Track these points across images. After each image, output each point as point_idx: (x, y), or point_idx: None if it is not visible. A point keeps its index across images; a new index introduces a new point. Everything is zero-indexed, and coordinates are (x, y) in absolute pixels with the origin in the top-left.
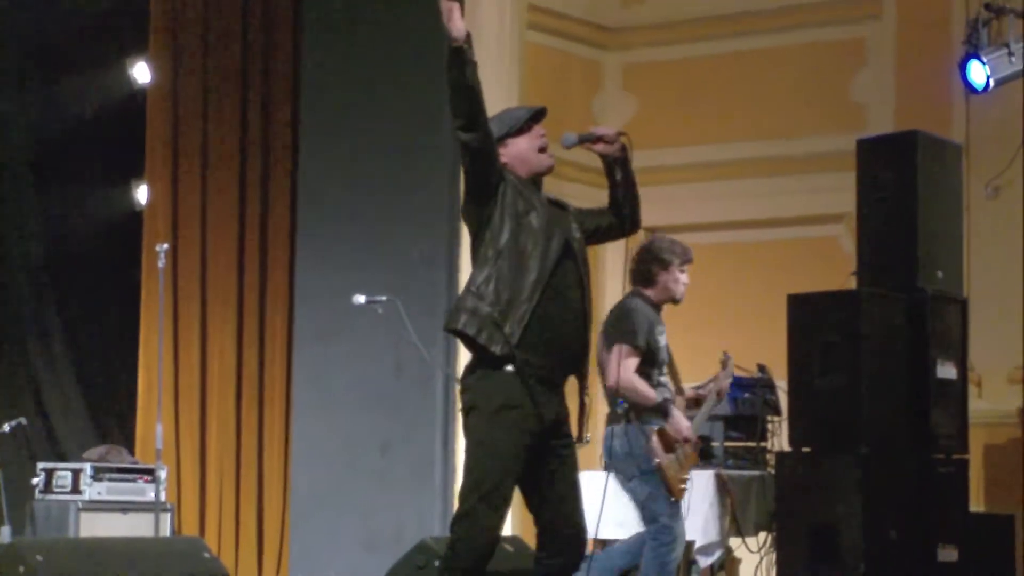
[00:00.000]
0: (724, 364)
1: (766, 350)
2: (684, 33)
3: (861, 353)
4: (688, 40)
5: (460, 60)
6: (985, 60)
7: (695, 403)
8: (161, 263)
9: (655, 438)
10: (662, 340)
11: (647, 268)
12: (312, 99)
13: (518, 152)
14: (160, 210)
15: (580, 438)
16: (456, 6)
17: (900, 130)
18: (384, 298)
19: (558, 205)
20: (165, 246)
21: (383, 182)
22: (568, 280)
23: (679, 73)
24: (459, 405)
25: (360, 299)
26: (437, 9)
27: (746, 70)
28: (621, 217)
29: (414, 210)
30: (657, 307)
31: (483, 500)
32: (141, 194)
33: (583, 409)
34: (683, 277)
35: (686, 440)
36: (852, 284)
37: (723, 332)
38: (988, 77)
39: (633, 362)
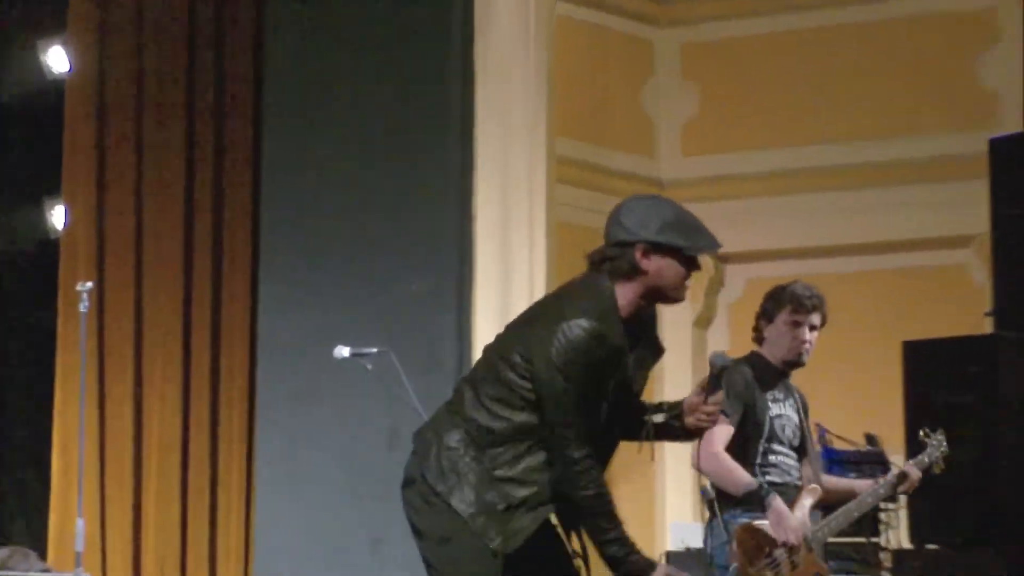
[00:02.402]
0: (929, 443)
1: (875, 415)
2: (760, 3)
3: (1000, 417)
4: (765, 12)
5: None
6: None
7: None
8: (83, 306)
9: (736, 539)
10: (776, 408)
11: (756, 320)
12: (279, 90)
13: (668, 276)
14: (82, 237)
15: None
16: None
17: None
18: (375, 349)
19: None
20: (88, 284)
21: (372, 197)
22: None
23: (753, 55)
24: None
25: (343, 351)
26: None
27: (840, 50)
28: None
29: (413, 234)
30: (775, 369)
31: None
32: (57, 217)
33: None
34: (799, 331)
35: (787, 544)
36: (987, 327)
37: (818, 391)
38: None
39: (723, 434)
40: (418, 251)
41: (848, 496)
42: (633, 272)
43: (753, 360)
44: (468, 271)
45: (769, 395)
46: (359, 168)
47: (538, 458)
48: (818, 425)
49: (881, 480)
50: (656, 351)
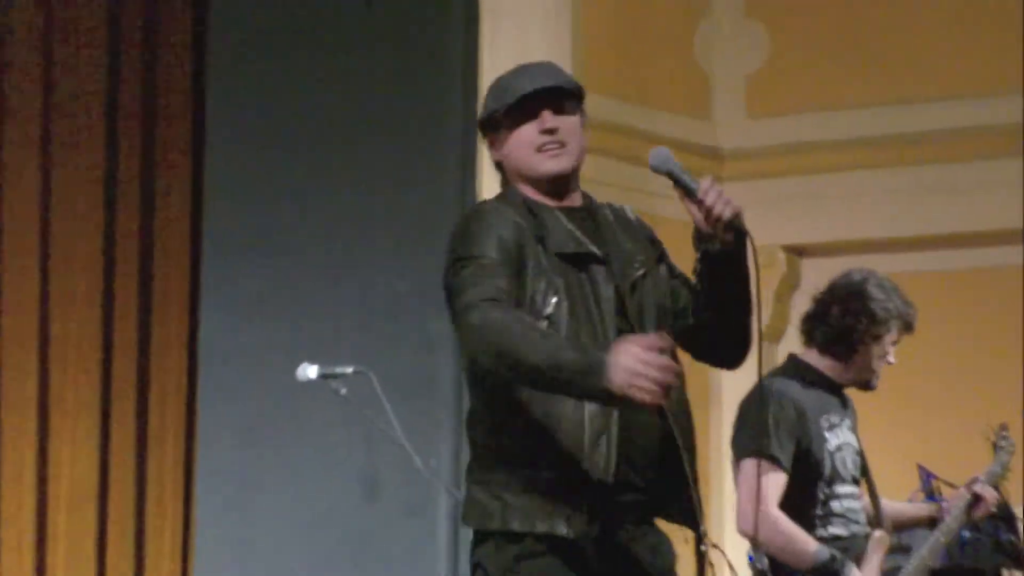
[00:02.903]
0: (998, 445)
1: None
2: None
3: None
4: None
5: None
6: None
7: (929, 523)
8: None
9: None
10: (834, 438)
11: (825, 325)
12: (224, 53)
13: (511, 149)
14: None
15: None
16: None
17: None
18: (349, 369)
19: (612, 220)
20: None
21: (345, 179)
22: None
23: None
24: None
25: (310, 371)
26: None
27: None
28: (709, 342)
29: (399, 223)
30: (829, 383)
31: None
32: None
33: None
34: (890, 352)
35: None
36: None
37: (911, 422)
38: None
39: (773, 486)
40: (405, 244)
41: (911, 524)
42: (500, 170)
43: (800, 371)
44: None
45: (824, 421)
46: (328, 143)
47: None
48: (921, 468)
49: (948, 507)
50: (639, 232)
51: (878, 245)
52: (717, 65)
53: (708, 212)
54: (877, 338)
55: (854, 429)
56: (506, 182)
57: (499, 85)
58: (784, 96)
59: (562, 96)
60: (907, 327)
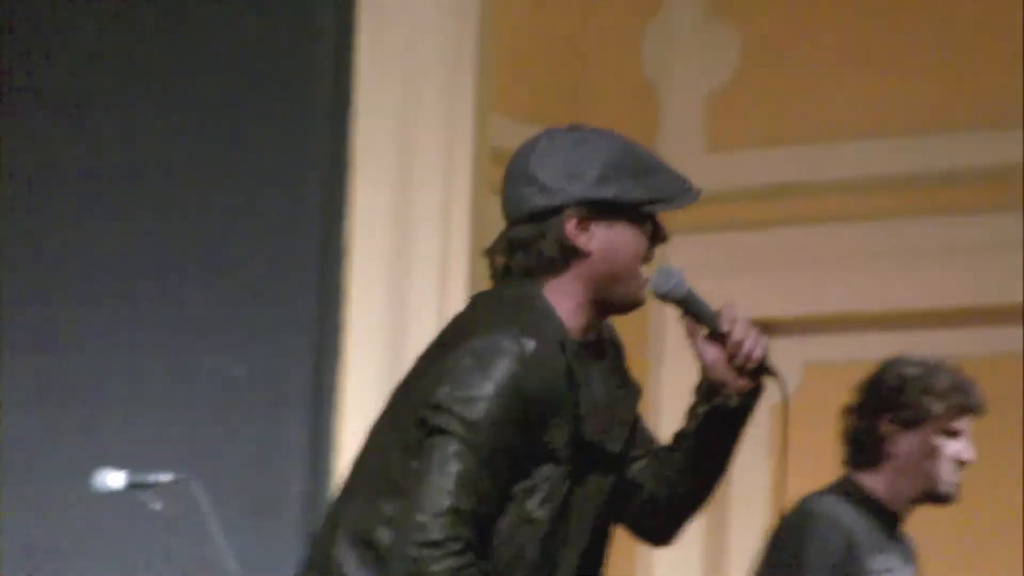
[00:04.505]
0: None
1: None
2: None
3: None
4: None
5: None
6: None
7: None
8: None
9: None
10: None
11: (864, 430)
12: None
13: (621, 254)
14: None
15: None
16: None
17: None
18: (168, 476)
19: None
20: None
21: (175, 212)
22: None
23: None
24: None
25: (113, 479)
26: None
27: None
28: (662, 517)
29: (236, 276)
30: (889, 515)
31: None
32: None
33: None
34: (954, 445)
35: None
36: None
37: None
38: None
39: None
40: (244, 317)
41: None
42: (566, 256)
43: (853, 496)
44: (332, 351)
45: (881, 560)
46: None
47: None
48: None
49: None
50: (632, 390)
51: (871, 320)
52: (670, 78)
53: (734, 352)
54: (912, 426)
55: None
56: (527, 274)
57: (636, 159)
58: (755, 122)
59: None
60: (963, 408)
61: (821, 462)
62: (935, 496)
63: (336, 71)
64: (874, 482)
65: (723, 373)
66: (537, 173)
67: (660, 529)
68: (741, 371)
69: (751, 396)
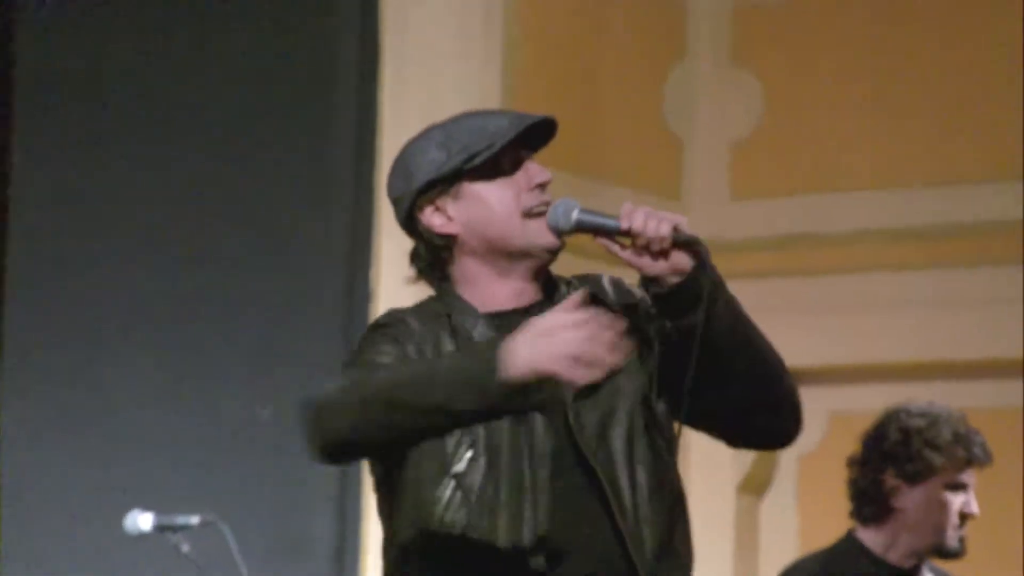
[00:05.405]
0: None
1: None
2: None
3: None
4: None
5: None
6: None
7: None
8: None
9: None
10: None
11: (871, 481)
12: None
13: (485, 213)
14: None
15: None
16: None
17: None
18: (197, 518)
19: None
20: None
21: (190, 249)
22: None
23: (847, 29)
24: None
25: (142, 521)
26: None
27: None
28: (736, 414)
29: (262, 322)
30: (893, 570)
31: None
32: None
33: None
34: (960, 498)
35: None
36: None
37: None
38: None
39: None
40: (268, 357)
41: None
42: (441, 249)
43: (856, 558)
44: None
45: None
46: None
47: None
48: None
49: None
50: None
51: (897, 371)
52: (693, 128)
53: (645, 243)
54: (917, 481)
55: None
56: (440, 277)
57: (449, 133)
58: (781, 172)
59: (541, 138)
60: (968, 461)
61: (847, 510)
62: (943, 551)
63: (358, 139)
64: (879, 538)
65: (652, 267)
66: (389, 194)
67: (762, 422)
68: (665, 256)
69: (693, 274)
